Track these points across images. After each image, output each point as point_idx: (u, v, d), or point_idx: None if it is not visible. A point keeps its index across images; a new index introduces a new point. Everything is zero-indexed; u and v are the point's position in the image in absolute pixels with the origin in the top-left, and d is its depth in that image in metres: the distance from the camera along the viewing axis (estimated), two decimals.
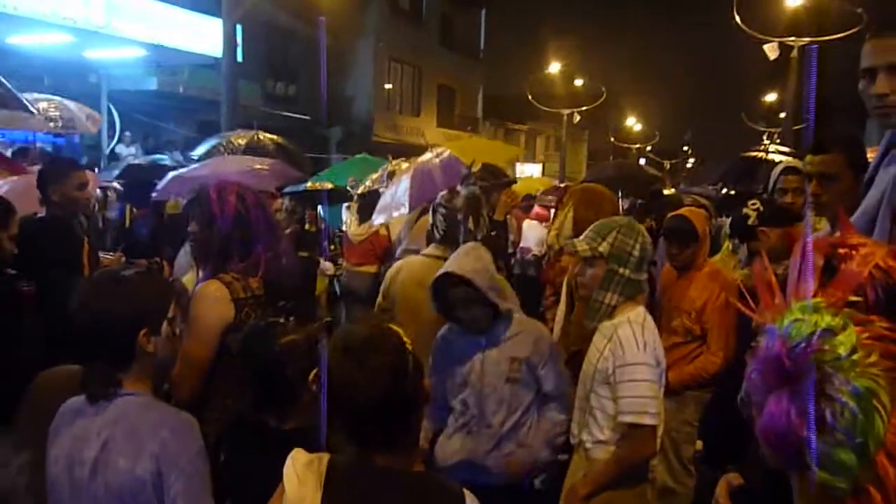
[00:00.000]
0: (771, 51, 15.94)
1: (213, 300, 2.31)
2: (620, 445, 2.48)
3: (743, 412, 1.05)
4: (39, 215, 3.78)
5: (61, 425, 1.78)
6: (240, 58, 12.86)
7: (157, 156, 10.17)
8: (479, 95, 32.41)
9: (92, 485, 1.68)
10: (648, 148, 46.76)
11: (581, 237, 2.63)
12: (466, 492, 1.54)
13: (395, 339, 1.54)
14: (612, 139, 44.02)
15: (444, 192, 3.51)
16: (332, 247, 7.20)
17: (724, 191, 9.25)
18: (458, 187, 3.76)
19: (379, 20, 24.35)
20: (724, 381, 3.54)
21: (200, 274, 2.56)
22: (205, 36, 12.89)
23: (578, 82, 32.68)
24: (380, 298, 3.48)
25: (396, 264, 3.59)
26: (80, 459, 1.69)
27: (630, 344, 2.46)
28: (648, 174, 12.34)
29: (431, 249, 3.40)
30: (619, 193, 9.36)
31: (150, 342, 1.75)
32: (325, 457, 1.54)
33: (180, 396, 2.23)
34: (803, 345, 0.90)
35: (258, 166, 6.05)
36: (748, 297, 1.12)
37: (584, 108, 30.00)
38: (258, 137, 8.67)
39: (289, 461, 1.55)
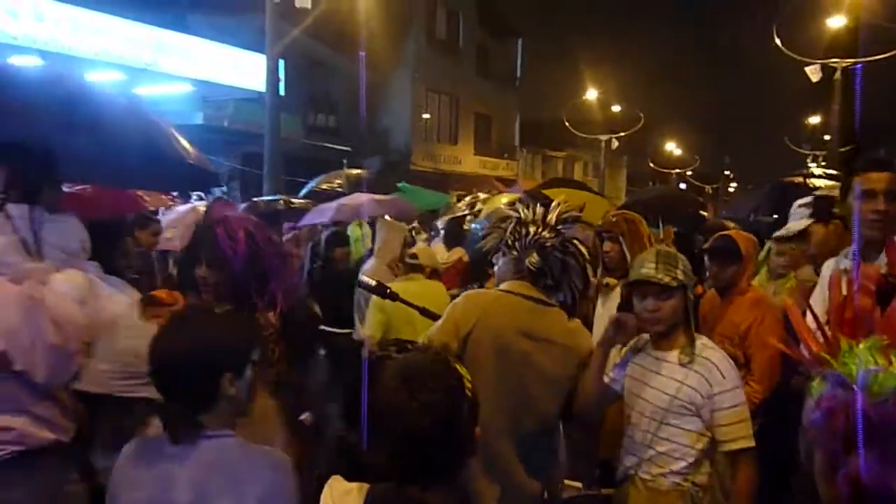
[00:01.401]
0: (813, 73, 15.69)
1: None
2: (741, 473, 2.40)
3: (805, 465, 0.99)
4: None
5: (136, 468, 1.68)
6: (282, 91, 13.19)
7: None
8: (516, 123, 32.53)
9: None
10: (689, 172, 46.24)
11: (650, 269, 2.46)
12: None
13: (455, 378, 1.53)
14: (651, 164, 43.66)
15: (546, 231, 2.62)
16: None
17: (763, 217, 9.11)
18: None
19: (416, 52, 24.72)
20: (768, 413, 3.44)
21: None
22: (249, 71, 13.30)
23: (616, 108, 32.60)
24: (451, 341, 2.50)
25: (475, 302, 2.63)
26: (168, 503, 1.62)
27: (726, 367, 2.43)
28: (691, 199, 12.19)
29: (522, 286, 2.60)
30: (660, 221, 9.27)
31: (233, 386, 1.68)
32: (365, 486, 1.53)
33: None
34: (891, 402, 0.85)
35: (381, 198, 7.30)
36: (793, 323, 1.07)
37: (622, 134, 29.87)
38: (348, 173, 10.77)
39: (326, 489, 1.55)
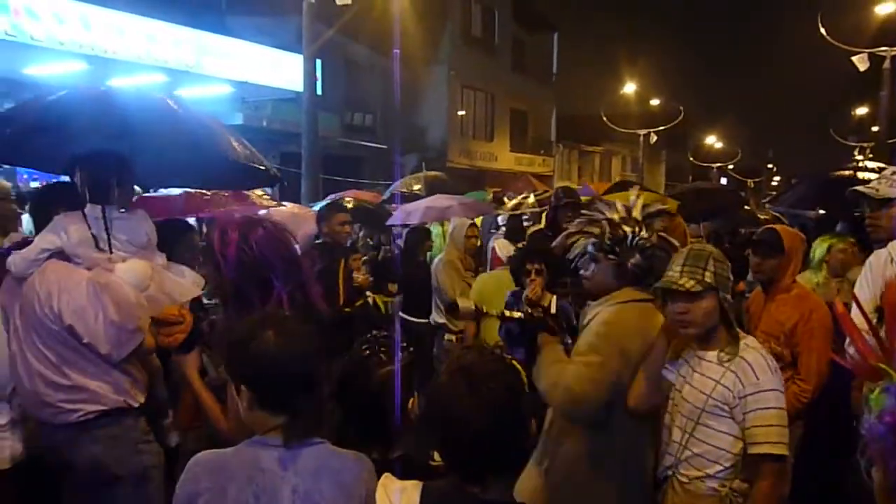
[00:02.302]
0: (860, 62, 15.29)
1: None
2: (761, 481, 2.29)
3: (865, 477, 0.95)
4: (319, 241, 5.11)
5: (230, 484, 1.61)
6: (319, 91, 13.30)
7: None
8: (552, 118, 32.32)
9: None
10: (730, 166, 45.40)
11: (676, 273, 2.38)
12: None
13: (514, 375, 1.54)
14: (692, 158, 42.96)
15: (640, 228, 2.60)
16: None
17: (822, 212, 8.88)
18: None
19: (452, 49, 24.71)
20: (814, 412, 3.35)
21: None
22: (286, 71, 13.43)
23: (655, 101, 32.14)
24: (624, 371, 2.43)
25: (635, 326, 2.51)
26: None
27: (763, 369, 2.33)
28: (731, 194, 11.92)
29: (634, 292, 2.58)
30: (699, 217, 9.11)
31: (323, 387, 1.71)
32: (419, 484, 1.54)
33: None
34: None
35: (466, 201, 8.53)
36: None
37: (661, 128, 29.45)
38: (426, 174, 11.97)
39: (380, 488, 1.56)
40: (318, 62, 12.99)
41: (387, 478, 1.57)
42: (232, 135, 3.25)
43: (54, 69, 10.43)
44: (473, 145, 26.44)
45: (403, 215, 8.11)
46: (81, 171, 2.83)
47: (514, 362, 1.59)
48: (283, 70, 13.60)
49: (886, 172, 3.35)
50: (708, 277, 2.34)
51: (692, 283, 2.33)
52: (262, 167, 3.32)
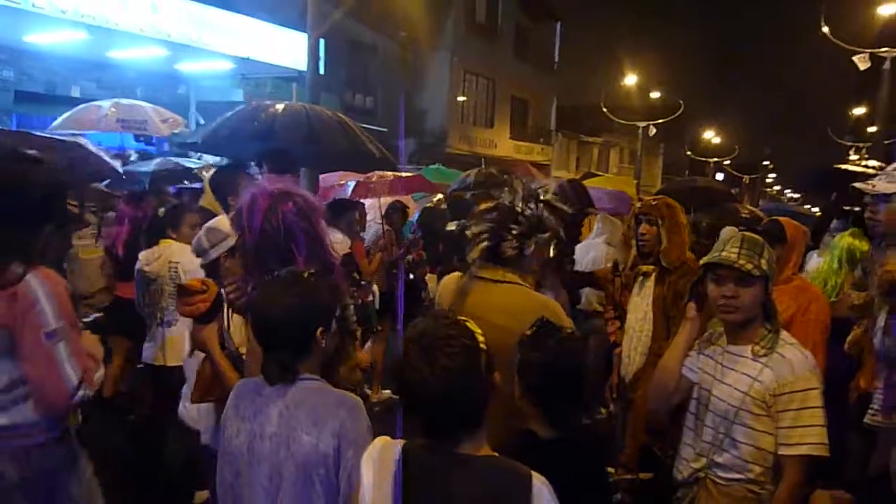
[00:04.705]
0: (861, 62, 15.32)
1: None
2: (796, 481, 2.21)
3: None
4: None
5: (241, 402, 1.99)
6: (321, 71, 13.23)
7: None
8: (552, 107, 32.27)
9: (274, 457, 1.88)
10: (727, 162, 45.48)
11: (732, 254, 2.32)
12: (535, 474, 1.58)
13: (468, 338, 1.60)
14: (689, 152, 43.01)
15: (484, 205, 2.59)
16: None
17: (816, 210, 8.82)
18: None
19: (455, 34, 24.62)
20: None
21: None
22: (289, 50, 13.34)
23: (655, 94, 32.12)
24: None
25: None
26: (261, 434, 1.92)
27: (802, 367, 2.26)
28: (722, 191, 11.91)
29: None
30: (691, 210, 9.14)
31: (323, 338, 1.95)
32: (401, 442, 1.64)
33: None
34: None
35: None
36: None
37: (660, 121, 29.45)
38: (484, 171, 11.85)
39: (370, 446, 1.67)
40: (322, 41, 12.91)
41: (380, 438, 1.68)
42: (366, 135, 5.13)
43: (55, 38, 10.35)
44: (473, 131, 26.40)
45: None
46: (265, 163, 4.01)
47: (468, 323, 1.64)
48: (285, 48, 13.51)
49: (889, 169, 3.38)
50: (763, 265, 2.31)
51: (750, 265, 2.28)
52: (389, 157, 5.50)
